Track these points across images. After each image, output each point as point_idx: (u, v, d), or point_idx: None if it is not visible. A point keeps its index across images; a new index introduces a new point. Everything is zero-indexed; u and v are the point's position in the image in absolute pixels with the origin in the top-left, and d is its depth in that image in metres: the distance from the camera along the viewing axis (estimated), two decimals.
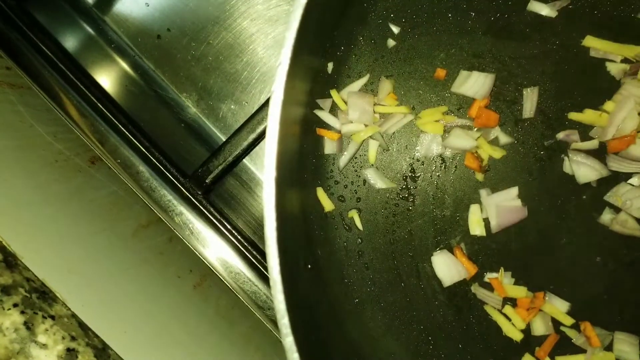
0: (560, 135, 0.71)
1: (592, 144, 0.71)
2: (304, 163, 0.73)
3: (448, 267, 0.72)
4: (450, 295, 0.74)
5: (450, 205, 0.74)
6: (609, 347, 0.69)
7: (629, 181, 0.70)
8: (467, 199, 0.74)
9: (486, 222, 0.73)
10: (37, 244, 0.75)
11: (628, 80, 0.69)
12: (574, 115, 0.71)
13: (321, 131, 0.74)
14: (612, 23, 0.70)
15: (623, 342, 0.68)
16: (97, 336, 0.71)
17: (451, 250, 0.73)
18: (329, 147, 0.75)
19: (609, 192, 0.70)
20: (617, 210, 0.70)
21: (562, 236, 0.72)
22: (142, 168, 0.86)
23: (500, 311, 0.72)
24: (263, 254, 0.85)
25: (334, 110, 0.75)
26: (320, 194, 0.73)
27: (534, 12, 0.72)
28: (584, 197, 0.72)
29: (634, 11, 0.70)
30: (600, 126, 0.70)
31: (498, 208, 0.71)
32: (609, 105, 0.69)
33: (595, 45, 0.70)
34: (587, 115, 0.70)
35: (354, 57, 0.75)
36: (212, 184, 0.85)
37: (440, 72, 0.74)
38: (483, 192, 0.73)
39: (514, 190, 0.72)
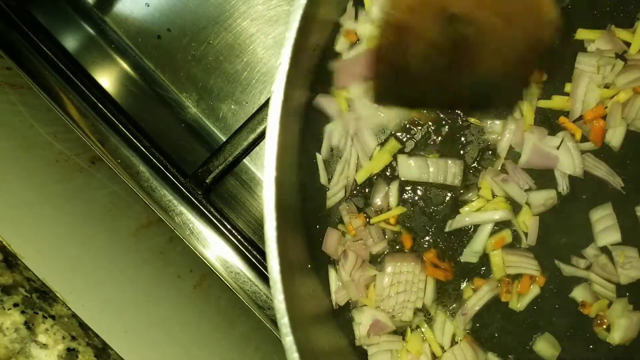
0: None
1: (590, 146, 0.71)
2: (304, 162, 0.73)
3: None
4: None
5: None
6: None
7: None
8: None
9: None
10: (37, 244, 0.75)
11: (580, 54, 0.70)
12: (542, 103, 0.71)
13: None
14: (612, 23, 0.70)
15: None
16: (97, 336, 0.71)
17: None
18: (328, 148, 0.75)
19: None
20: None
21: (562, 236, 0.72)
22: (143, 168, 0.86)
23: None
24: (263, 254, 0.85)
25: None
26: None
27: None
28: (584, 196, 0.72)
29: (633, 11, 0.70)
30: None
31: (534, 147, 0.70)
32: (568, 87, 0.70)
33: (587, 36, 0.70)
34: (555, 102, 0.71)
35: None
36: (212, 184, 0.85)
37: None
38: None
39: (556, 140, 0.71)
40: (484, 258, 0.73)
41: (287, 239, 0.60)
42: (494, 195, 0.72)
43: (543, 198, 0.71)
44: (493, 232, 0.72)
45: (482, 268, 0.73)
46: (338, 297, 0.72)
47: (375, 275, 0.71)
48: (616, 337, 0.69)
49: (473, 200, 0.73)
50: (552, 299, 0.72)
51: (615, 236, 0.70)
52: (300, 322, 0.59)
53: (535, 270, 0.70)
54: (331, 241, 0.73)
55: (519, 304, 0.72)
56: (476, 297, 0.71)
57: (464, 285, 0.73)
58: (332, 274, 0.73)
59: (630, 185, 0.71)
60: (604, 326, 0.70)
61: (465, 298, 0.72)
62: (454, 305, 0.73)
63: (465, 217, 0.72)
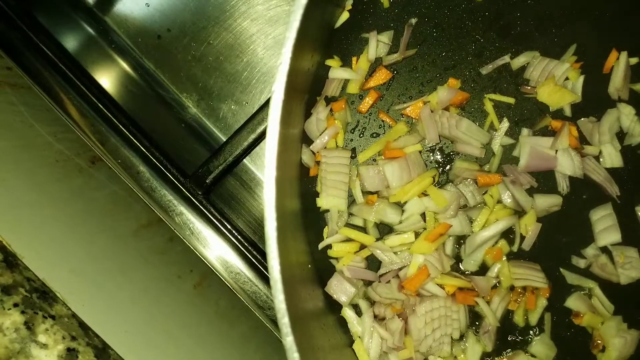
0: None
1: (591, 150, 0.71)
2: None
3: None
4: None
5: None
6: None
7: None
8: None
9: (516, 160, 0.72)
10: (37, 244, 0.75)
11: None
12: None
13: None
14: (612, 23, 0.71)
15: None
16: (97, 336, 0.71)
17: None
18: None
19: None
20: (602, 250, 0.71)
21: (562, 236, 0.72)
22: (143, 168, 0.86)
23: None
24: (263, 254, 0.85)
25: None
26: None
27: (534, 12, 0.72)
28: (584, 196, 0.72)
29: (630, 11, 0.70)
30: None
31: (532, 150, 0.70)
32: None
33: None
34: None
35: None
36: (213, 184, 0.85)
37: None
38: (525, 131, 0.72)
39: (552, 140, 0.71)
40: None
41: (287, 239, 0.60)
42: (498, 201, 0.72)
43: (548, 204, 0.71)
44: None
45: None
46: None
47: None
48: (611, 356, 0.69)
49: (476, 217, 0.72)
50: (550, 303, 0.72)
51: (615, 236, 0.70)
52: (301, 322, 0.59)
53: (542, 283, 0.70)
54: (336, 286, 0.71)
55: (530, 319, 0.72)
56: (491, 311, 0.71)
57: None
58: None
59: (630, 185, 0.71)
60: (600, 347, 0.70)
61: (482, 315, 0.72)
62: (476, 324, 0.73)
63: (476, 237, 0.71)
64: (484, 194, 0.71)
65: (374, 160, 0.74)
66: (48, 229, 0.81)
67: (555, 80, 0.71)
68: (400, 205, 0.72)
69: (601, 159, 0.71)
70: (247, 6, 0.98)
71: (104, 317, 0.75)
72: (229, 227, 0.86)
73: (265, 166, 0.56)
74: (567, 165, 0.70)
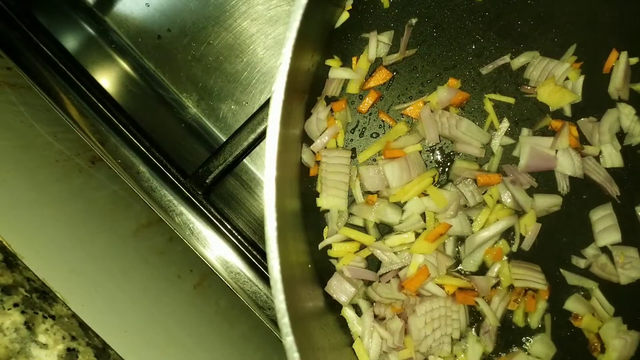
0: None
1: (591, 150, 0.71)
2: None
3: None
4: None
5: None
6: None
7: None
8: None
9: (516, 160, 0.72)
10: (37, 244, 0.75)
11: None
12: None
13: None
14: (612, 23, 0.71)
15: None
16: (97, 336, 0.71)
17: None
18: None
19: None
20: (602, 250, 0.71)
21: (562, 236, 0.72)
22: (143, 168, 0.86)
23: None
24: (263, 254, 0.85)
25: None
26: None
27: (534, 12, 0.72)
28: (584, 196, 0.72)
29: (630, 11, 0.70)
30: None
31: (532, 150, 0.70)
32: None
33: None
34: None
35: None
36: (213, 184, 0.85)
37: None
38: (525, 131, 0.72)
39: (552, 140, 0.70)
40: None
41: (287, 239, 0.60)
42: (498, 201, 0.72)
43: (548, 204, 0.71)
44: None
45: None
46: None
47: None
48: (611, 357, 0.69)
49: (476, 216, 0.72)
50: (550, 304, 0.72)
51: (615, 236, 0.70)
52: (301, 322, 0.59)
53: (541, 284, 0.70)
54: (336, 286, 0.71)
55: (530, 321, 0.72)
56: (491, 311, 0.70)
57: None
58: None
59: (630, 185, 0.71)
60: (598, 350, 0.70)
61: (482, 315, 0.71)
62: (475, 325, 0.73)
63: (476, 237, 0.71)
64: (483, 194, 0.71)
65: (374, 160, 0.74)
66: (48, 229, 0.81)
67: (555, 80, 0.71)
68: (400, 205, 0.72)
69: (601, 159, 0.71)
70: (247, 6, 0.98)
71: (104, 317, 0.75)
72: (229, 227, 0.86)
73: (265, 166, 0.56)
74: (567, 165, 0.70)
